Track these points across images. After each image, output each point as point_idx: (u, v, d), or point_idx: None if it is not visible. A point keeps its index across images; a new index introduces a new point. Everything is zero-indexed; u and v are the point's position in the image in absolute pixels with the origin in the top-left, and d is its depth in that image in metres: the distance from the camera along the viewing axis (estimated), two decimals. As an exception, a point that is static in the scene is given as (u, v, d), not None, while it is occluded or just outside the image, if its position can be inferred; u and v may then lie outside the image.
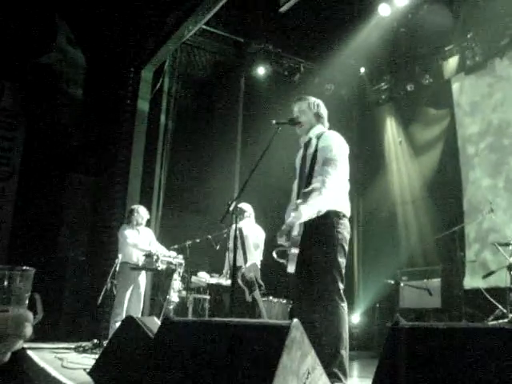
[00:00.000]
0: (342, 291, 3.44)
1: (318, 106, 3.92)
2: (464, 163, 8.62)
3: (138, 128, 8.54)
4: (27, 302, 1.03)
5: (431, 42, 8.84)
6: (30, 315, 1.01)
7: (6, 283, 1.00)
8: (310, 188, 3.45)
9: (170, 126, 9.23)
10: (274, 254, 3.66)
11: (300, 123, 3.84)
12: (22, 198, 8.46)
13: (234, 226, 3.86)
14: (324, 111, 3.95)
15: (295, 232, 3.52)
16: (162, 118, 9.09)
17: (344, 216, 3.59)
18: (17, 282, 1.01)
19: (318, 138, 3.76)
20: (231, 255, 4.34)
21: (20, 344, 1.00)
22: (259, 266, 6.51)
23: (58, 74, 8.87)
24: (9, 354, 1.00)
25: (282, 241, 3.61)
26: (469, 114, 8.66)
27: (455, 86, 8.95)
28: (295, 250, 3.51)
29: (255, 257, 6.49)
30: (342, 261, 3.50)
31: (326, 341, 3.31)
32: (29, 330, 1.00)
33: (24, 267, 1.03)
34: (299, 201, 3.43)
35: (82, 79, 9.10)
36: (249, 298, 6.14)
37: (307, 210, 3.38)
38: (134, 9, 8.57)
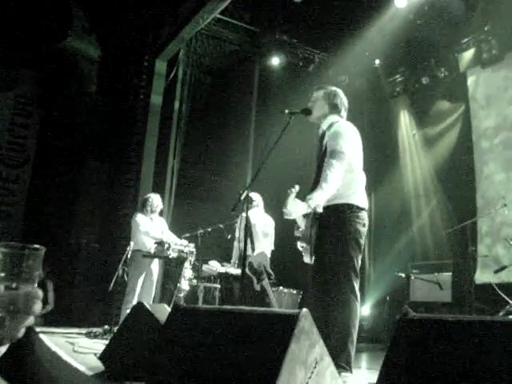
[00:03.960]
0: (355, 285, 3.41)
1: (334, 95, 3.84)
2: (478, 157, 8.56)
3: (151, 120, 8.58)
4: (37, 279, 1.06)
5: (447, 34, 8.75)
6: (40, 292, 1.04)
7: (16, 261, 1.02)
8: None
9: (183, 114, 9.25)
10: (298, 245, 3.68)
11: (312, 112, 3.80)
12: (35, 184, 8.53)
13: (243, 214, 3.87)
14: (341, 101, 3.86)
15: (302, 226, 3.55)
16: (176, 106, 9.11)
17: (358, 208, 3.53)
18: (27, 260, 1.03)
19: (329, 128, 3.72)
20: (240, 244, 4.36)
21: (30, 320, 1.03)
22: (269, 255, 6.52)
23: (73, 61, 8.91)
24: (22, 331, 1.03)
25: (297, 233, 3.65)
26: (484, 107, 8.59)
27: (471, 80, 8.87)
28: (302, 244, 3.53)
29: (264, 245, 6.49)
30: (356, 255, 3.46)
31: (335, 334, 3.31)
32: (38, 307, 1.03)
33: (34, 245, 1.05)
34: (292, 197, 3.41)
35: (97, 68, 9.13)
36: (257, 287, 6.15)
37: (300, 207, 3.33)
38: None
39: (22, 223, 8.45)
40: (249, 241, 6.23)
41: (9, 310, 0.99)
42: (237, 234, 6.51)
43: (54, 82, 8.71)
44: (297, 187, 3.47)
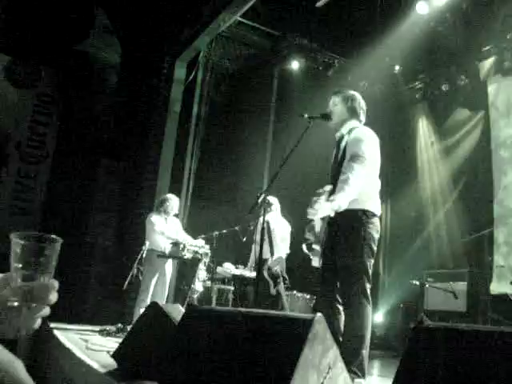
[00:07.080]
0: (368, 291, 3.42)
1: (353, 99, 3.82)
2: (496, 167, 8.47)
3: (170, 122, 8.62)
4: (53, 270, 1.06)
5: (468, 42, 8.69)
6: (56, 283, 1.05)
7: (33, 252, 1.02)
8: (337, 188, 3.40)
9: (202, 116, 9.29)
10: (304, 247, 3.69)
11: (331, 118, 3.79)
12: (54, 182, 8.60)
13: (261, 218, 3.87)
14: (359, 105, 3.84)
15: (317, 228, 3.52)
16: (195, 108, 9.15)
17: (373, 215, 3.53)
18: (44, 251, 1.04)
19: (349, 133, 3.70)
20: (257, 247, 4.37)
21: (46, 311, 1.04)
22: (284, 260, 6.55)
23: (93, 61, 8.98)
24: (39, 321, 1.04)
25: (309, 235, 3.63)
26: (504, 116, 8.50)
27: (491, 88, 8.79)
28: (317, 247, 3.52)
29: (281, 250, 6.52)
30: (370, 261, 3.47)
31: (349, 340, 3.32)
32: (54, 298, 1.04)
33: (52, 236, 1.05)
34: (323, 198, 3.37)
35: (117, 68, 9.20)
36: (273, 291, 6.18)
37: (325, 208, 3.31)
38: (170, -1, 8.63)
39: (38, 220, 8.52)
40: (268, 245, 6.30)
41: (25, 299, 1.00)
42: (256, 238, 6.53)
43: (74, 81, 8.78)
44: (328, 187, 3.46)
